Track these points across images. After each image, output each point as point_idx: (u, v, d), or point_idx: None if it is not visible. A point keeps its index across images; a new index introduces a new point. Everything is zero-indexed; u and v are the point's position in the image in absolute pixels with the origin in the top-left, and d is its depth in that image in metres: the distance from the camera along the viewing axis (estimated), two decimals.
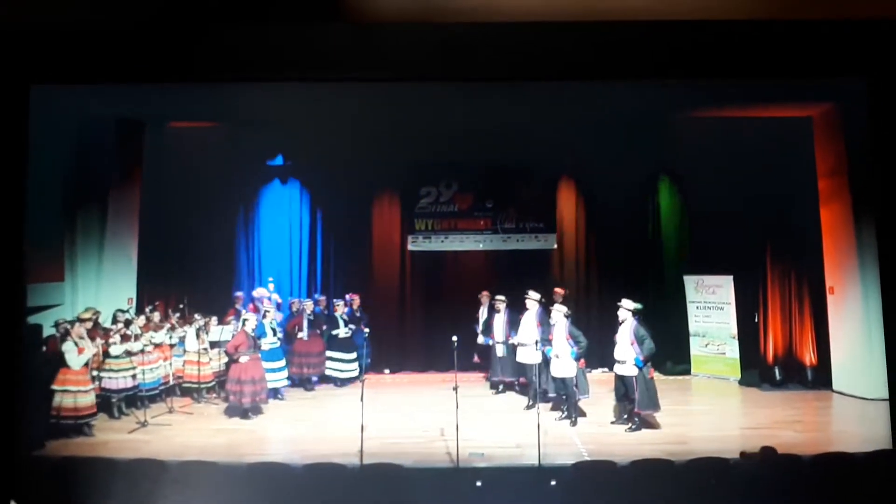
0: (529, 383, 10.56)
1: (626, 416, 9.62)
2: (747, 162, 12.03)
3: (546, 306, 10.78)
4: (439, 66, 8.28)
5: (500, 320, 11.52)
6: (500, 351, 11.46)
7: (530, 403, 10.41)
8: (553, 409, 10.05)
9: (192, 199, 12.25)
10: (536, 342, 10.23)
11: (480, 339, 11.96)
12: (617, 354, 9.66)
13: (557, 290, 11.62)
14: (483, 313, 12.21)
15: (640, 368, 9.38)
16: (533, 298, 10.84)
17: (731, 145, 11.94)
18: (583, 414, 9.79)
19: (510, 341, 11.17)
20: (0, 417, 7.32)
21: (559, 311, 10.00)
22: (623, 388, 9.58)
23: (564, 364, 9.70)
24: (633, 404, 9.42)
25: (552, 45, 8.14)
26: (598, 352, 11.29)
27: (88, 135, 11.04)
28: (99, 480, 6.89)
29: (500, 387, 11.51)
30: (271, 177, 13.38)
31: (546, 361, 10.12)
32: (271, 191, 13.46)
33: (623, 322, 9.68)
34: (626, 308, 9.69)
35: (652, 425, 9.52)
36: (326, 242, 13.52)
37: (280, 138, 12.42)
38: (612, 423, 9.68)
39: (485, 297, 12.27)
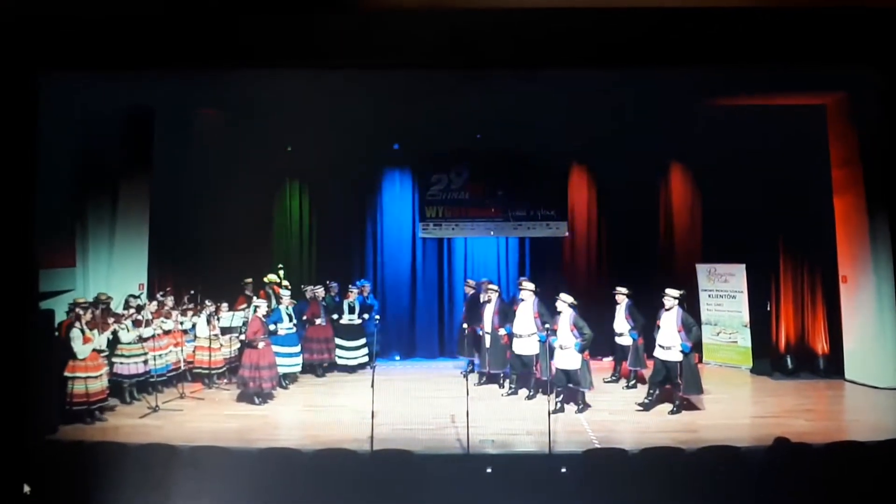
0: (529, 374, 10.48)
1: (651, 397, 9.69)
2: (761, 150, 11.97)
3: (541, 296, 10.55)
4: (450, 54, 8.26)
5: (489, 310, 11.12)
6: (487, 342, 11.08)
7: (531, 394, 10.38)
8: (557, 399, 9.70)
9: (203, 185, 12.28)
10: (541, 333, 10.02)
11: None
12: (661, 340, 9.67)
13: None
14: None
15: (686, 354, 9.45)
16: (528, 289, 10.58)
17: (744, 134, 11.87)
18: (588, 406, 9.71)
19: (500, 332, 10.81)
20: (13, 403, 7.36)
21: (564, 301, 9.81)
22: (665, 372, 9.61)
23: (569, 356, 9.57)
24: (677, 389, 9.52)
25: (564, 31, 8.09)
26: (608, 341, 11.31)
27: (100, 121, 11.06)
28: (111, 465, 6.91)
29: (483, 378, 11.22)
30: (283, 164, 13.38)
31: (546, 352, 9.98)
32: (283, 178, 13.48)
33: (669, 309, 9.69)
34: (673, 296, 9.71)
35: (696, 407, 9.66)
36: (337, 229, 13.52)
37: (290, 126, 12.40)
38: (643, 404, 9.69)
39: (469, 287, 12.23)
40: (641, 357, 10.72)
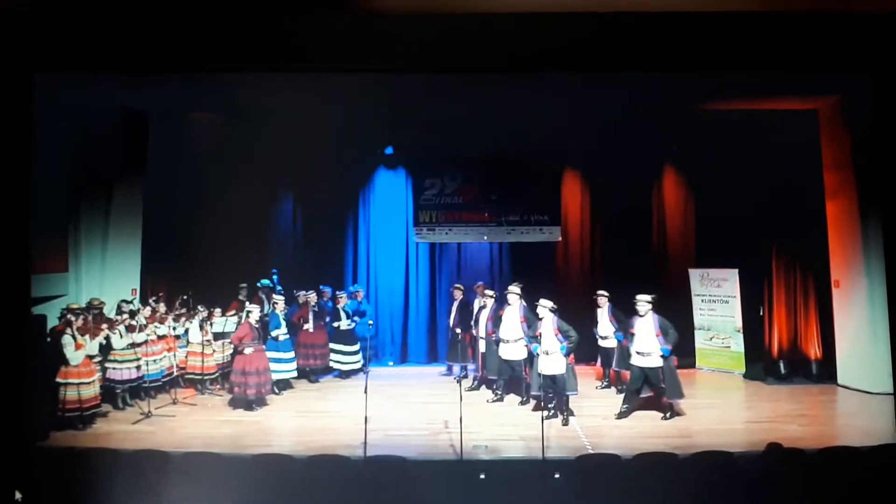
0: (519, 379, 10.43)
1: (626, 408, 9.56)
2: (753, 155, 11.98)
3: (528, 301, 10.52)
4: (444, 57, 8.26)
5: (484, 315, 11.08)
6: (482, 346, 11.06)
7: (524, 399, 10.33)
8: (536, 408, 9.56)
9: (196, 189, 12.26)
10: (529, 337, 10.05)
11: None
12: (638, 347, 9.52)
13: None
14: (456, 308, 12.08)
15: (667, 358, 9.38)
16: (514, 293, 10.51)
17: (736, 138, 11.89)
18: (571, 413, 9.49)
19: (494, 337, 10.75)
20: (5, 409, 7.32)
21: (544, 306, 9.65)
22: (643, 379, 9.49)
23: (554, 361, 9.39)
24: (663, 394, 9.44)
25: (558, 35, 8.09)
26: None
27: (93, 125, 11.03)
28: (103, 471, 6.87)
29: (475, 382, 11.23)
30: (277, 168, 13.34)
31: (531, 357, 10.00)
32: (277, 182, 13.44)
33: (644, 315, 9.57)
34: (646, 301, 9.60)
35: (678, 413, 9.59)
36: (329, 234, 13.49)
37: (283, 130, 12.37)
38: (619, 414, 9.56)
39: (457, 291, 12.14)
40: (626, 358, 10.73)
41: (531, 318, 10.18)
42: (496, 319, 10.80)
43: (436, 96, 10.93)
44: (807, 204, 11.76)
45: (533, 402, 9.96)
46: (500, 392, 10.59)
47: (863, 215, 10.85)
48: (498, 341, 10.57)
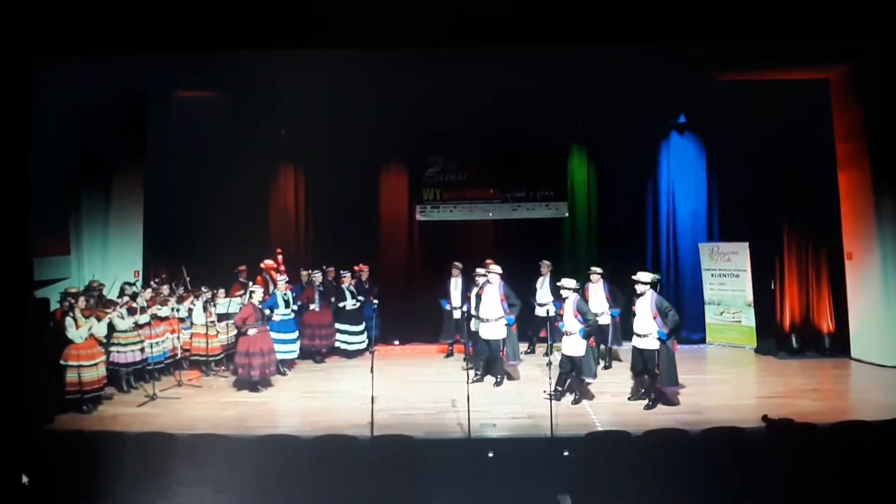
0: (495, 360, 10.18)
1: (643, 392, 9.23)
2: (763, 126, 11.85)
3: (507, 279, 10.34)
4: (448, 31, 8.15)
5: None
6: (473, 325, 10.66)
7: (498, 380, 10.16)
8: (558, 384, 9.27)
9: (197, 170, 12.18)
10: (508, 316, 10.01)
11: (457, 314, 11.61)
12: (637, 328, 9.06)
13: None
14: (456, 285, 11.86)
15: (664, 342, 8.83)
16: (494, 271, 10.25)
17: (746, 110, 11.73)
18: (590, 396, 9.35)
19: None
20: (10, 392, 7.31)
21: (567, 287, 9.26)
22: (642, 362, 9.05)
23: (574, 342, 9.08)
24: (654, 379, 8.95)
25: (563, 7, 7.98)
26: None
27: (92, 108, 10.95)
28: (109, 454, 6.84)
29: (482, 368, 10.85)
30: (280, 147, 13.22)
31: (512, 335, 10.03)
32: (279, 162, 13.33)
33: (642, 295, 9.04)
34: (644, 281, 9.06)
35: (671, 402, 9.08)
36: (334, 213, 13.37)
37: (285, 107, 12.24)
38: (629, 398, 9.31)
39: (456, 269, 11.93)
40: (619, 336, 10.71)
41: (511, 296, 10.10)
42: (477, 298, 10.51)
43: (439, 71, 10.79)
44: (818, 175, 11.61)
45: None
46: (479, 372, 10.36)
47: (875, 186, 10.67)
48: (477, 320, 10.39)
